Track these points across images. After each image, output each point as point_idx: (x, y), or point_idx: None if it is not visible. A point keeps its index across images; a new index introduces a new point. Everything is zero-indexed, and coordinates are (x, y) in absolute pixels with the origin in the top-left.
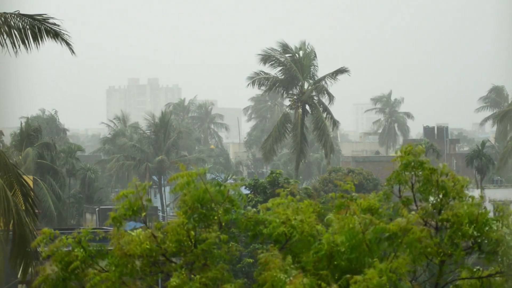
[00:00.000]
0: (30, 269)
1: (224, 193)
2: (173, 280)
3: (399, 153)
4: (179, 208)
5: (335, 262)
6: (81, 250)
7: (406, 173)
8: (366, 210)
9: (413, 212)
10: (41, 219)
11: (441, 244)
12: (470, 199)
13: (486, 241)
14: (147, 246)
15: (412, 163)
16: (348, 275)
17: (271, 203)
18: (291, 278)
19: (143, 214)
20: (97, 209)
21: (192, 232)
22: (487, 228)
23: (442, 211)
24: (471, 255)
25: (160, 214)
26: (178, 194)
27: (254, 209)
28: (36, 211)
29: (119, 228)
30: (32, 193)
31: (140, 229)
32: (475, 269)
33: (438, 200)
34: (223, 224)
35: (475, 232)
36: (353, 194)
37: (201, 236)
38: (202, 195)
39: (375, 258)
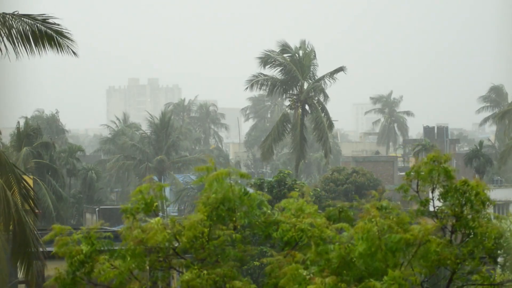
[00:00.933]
0: (31, 269)
1: (244, 200)
2: (186, 274)
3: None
4: (203, 204)
5: (350, 272)
6: (88, 245)
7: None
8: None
9: (433, 221)
10: (40, 219)
11: (457, 253)
12: (491, 210)
13: (504, 256)
14: (167, 235)
15: (437, 169)
16: (367, 281)
17: (285, 203)
18: (312, 274)
19: (155, 204)
20: (97, 209)
21: (206, 230)
22: (507, 244)
23: (462, 218)
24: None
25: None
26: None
27: (269, 212)
28: (36, 211)
29: (132, 220)
30: (32, 193)
31: (159, 218)
32: (487, 275)
33: (459, 205)
34: (238, 226)
35: (494, 245)
36: (383, 203)
37: (215, 233)
38: (229, 195)
39: (389, 265)
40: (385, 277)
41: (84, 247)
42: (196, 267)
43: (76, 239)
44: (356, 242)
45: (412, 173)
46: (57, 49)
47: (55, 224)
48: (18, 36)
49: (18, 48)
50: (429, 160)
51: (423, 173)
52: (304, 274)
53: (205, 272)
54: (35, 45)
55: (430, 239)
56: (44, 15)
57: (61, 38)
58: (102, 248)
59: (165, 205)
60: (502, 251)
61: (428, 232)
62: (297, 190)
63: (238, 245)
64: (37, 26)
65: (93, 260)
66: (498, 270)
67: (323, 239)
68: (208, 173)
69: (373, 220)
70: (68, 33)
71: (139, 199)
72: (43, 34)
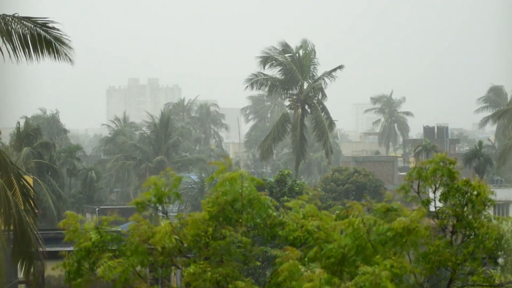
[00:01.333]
0: (31, 269)
1: (253, 203)
2: (192, 267)
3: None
4: (212, 203)
5: (347, 269)
6: (97, 234)
7: (433, 177)
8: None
9: (434, 221)
10: (41, 219)
11: (457, 253)
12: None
13: (504, 257)
14: (174, 240)
15: (441, 170)
16: (361, 269)
17: (293, 204)
18: (309, 270)
19: (165, 203)
20: (97, 209)
21: (210, 229)
22: (507, 246)
23: (463, 219)
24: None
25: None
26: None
27: (275, 214)
28: (36, 211)
29: (141, 213)
30: (32, 193)
31: (168, 220)
32: (487, 276)
33: (460, 206)
34: (244, 229)
35: (495, 246)
36: (393, 205)
37: (220, 233)
38: (239, 198)
39: (379, 256)
40: (376, 266)
41: (93, 235)
42: (202, 262)
43: (87, 228)
44: (343, 238)
45: (413, 174)
46: (55, 56)
47: (68, 211)
48: (17, 40)
49: (17, 52)
50: (437, 159)
51: (424, 173)
52: (302, 270)
53: (208, 269)
54: (34, 51)
55: (418, 225)
56: (44, 19)
57: (59, 45)
58: (109, 242)
59: (174, 200)
60: (502, 252)
61: (416, 219)
62: (298, 190)
63: (246, 245)
64: (36, 30)
65: (99, 250)
66: (495, 271)
67: (328, 243)
68: (221, 171)
69: (358, 215)
70: (67, 39)
71: (153, 191)
72: (42, 39)
